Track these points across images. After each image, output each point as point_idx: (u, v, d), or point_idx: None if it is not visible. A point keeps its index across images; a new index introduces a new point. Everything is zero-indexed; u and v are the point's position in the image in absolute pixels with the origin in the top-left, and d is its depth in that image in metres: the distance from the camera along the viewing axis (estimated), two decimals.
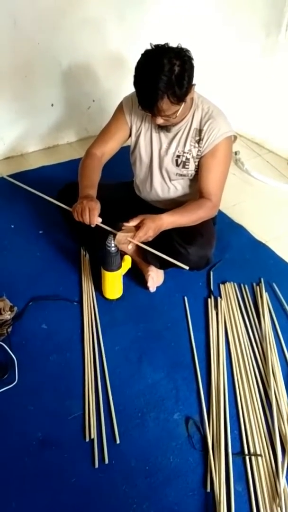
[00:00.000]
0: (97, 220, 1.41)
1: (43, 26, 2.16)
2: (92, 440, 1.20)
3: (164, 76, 1.22)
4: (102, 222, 1.43)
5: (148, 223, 1.38)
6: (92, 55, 2.41)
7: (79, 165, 1.57)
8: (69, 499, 1.10)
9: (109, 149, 1.60)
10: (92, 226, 1.41)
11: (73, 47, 2.33)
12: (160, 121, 1.38)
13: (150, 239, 1.41)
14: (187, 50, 1.28)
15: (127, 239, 1.39)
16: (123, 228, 1.43)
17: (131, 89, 1.38)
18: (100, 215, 1.42)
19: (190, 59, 1.28)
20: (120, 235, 1.40)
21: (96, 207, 1.41)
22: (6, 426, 1.23)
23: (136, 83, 1.31)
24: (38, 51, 2.23)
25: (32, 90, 2.33)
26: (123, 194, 1.78)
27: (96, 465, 1.15)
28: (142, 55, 1.29)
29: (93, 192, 1.48)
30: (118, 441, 1.21)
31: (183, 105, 1.34)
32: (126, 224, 1.41)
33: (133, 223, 1.41)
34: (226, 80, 2.76)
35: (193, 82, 1.33)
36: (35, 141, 2.55)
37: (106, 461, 1.16)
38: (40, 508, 1.08)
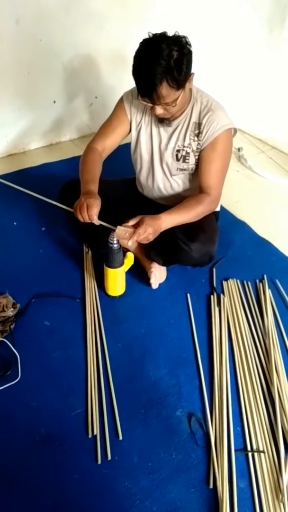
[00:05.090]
0: (95, 219, 1.39)
1: (45, 23, 2.16)
2: (95, 436, 1.20)
3: (163, 60, 1.22)
4: (102, 220, 1.42)
5: (147, 221, 1.38)
6: (94, 52, 2.41)
7: (80, 160, 1.57)
8: (72, 495, 1.10)
9: (109, 143, 1.59)
10: (95, 223, 1.40)
11: (76, 44, 2.33)
12: (159, 111, 1.37)
13: (151, 238, 1.40)
14: (185, 37, 1.27)
15: (126, 234, 1.39)
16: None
17: (134, 85, 1.37)
18: (103, 213, 1.41)
19: (188, 45, 1.27)
20: (120, 229, 1.39)
21: (95, 203, 1.38)
22: (10, 422, 1.24)
23: (135, 71, 1.30)
24: (41, 48, 2.22)
25: (34, 87, 2.33)
26: (126, 192, 1.78)
27: (99, 461, 1.15)
28: (140, 43, 1.29)
29: (94, 187, 1.47)
30: (121, 438, 1.21)
31: (182, 93, 1.33)
32: (125, 224, 1.41)
33: (132, 222, 1.40)
34: (229, 76, 2.75)
35: (192, 71, 1.32)
36: (37, 138, 2.55)
37: (109, 457, 1.16)
38: (43, 503, 1.09)
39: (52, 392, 1.31)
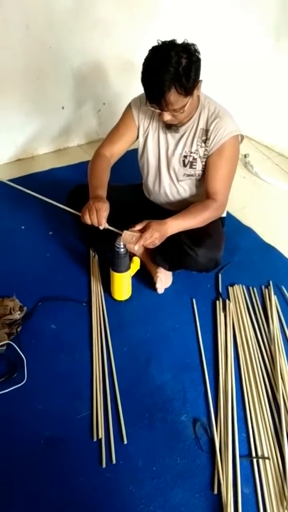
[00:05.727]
0: (104, 223, 1.40)
1: (54, 30, 2.19)
2: (99, 440, 1.21)
3: (171, 67, 1.24)
4: (109, 224, 1.43)
5: (153, 226, 1.39)
6: (102, 58, 2.43)
7: (89, 165, 1.58)
8: (76, 498, 1.10)
9: (117, 149, 1.61)
10: (100, 228, 1.41)
11: (84, 50, 2.35)
12: (167, 117, 1.38)
13: (157, 242, 1.41)
14: (193, 44, 1.29)
15: (133, 239, 1.40)
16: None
17: (141, 91, 1.39)
18: (109, 218, 1.42)
19: (196, 52, 1.29)
20: (126, 234, 1.40)
21: (104, 207, 1.40)
22: (15, 425, 1.25)
23: (143, 77, 1.32)
24: (50, 54, 2.25)
25: (43, 93, 2.36)
26: (132, 197, 1.79)
27: (104, 465, 1.16)
28: (150, 50, 1.30)
29: (103, 192, 1.49)
30: (125, 442, 1.21)
31: (190, 100, 1.34)
32: (131, 229, 1.42)
33: (138, 227, 1.41)
34: (235, 83, 2.76)
35: (200, 79, 1.34)
36: (45, 143, 2.58)
37: (114, 461, 1.17)
38: (47, 506, 1.09)
39: (57, 395, 1.32)
